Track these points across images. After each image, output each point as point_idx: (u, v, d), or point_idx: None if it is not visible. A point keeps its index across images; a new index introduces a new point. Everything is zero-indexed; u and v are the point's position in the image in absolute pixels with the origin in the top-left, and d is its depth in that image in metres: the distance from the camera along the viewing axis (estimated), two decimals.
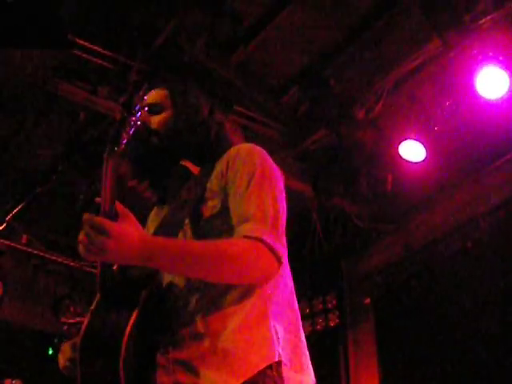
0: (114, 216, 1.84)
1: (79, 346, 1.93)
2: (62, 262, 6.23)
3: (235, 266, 1.91)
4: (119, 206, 2.02)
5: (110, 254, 1.72)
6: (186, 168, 2.27)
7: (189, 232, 2.10)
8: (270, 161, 2.17)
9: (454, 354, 5.26)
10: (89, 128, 5.07)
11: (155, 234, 2.23)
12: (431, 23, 4.57)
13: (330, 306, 6.38)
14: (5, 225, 4.75)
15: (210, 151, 2.26)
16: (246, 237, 1.94)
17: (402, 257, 6.07)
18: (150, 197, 2.34)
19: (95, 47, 4.67)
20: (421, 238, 5.95)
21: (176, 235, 2.12)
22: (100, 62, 4.72)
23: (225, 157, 2.18)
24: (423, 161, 5.27)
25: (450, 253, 5.65)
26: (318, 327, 6.28)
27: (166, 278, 2.10)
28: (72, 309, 6.13)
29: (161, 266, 1.90)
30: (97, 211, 1.86)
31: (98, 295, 1.97)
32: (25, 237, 6.01)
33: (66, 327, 5.75)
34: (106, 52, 4.70)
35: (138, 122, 2.07)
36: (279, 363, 1.95)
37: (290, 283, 2.17)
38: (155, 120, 2.31)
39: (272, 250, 1.92)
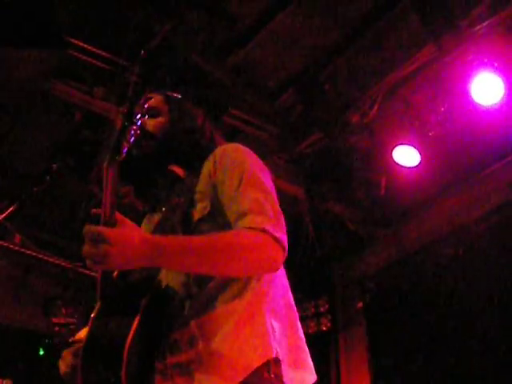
0: (114, 224, 1.84)
1: (81, 353, 1.93)
2: (54, 262, 6.20)
3: (245, 256, 1.91)
4: (117, 214, 2.02)
5: (115, 259, 1.72)
6: (173, 172, 2.29)
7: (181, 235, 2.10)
8: (257, 157, 2.20)
9: (445, 358, 5.28)
10: (84, 129, 5.06)
11: None
12: (427, 28, 4.58)
13: (322, 309, 6.40)
14: None
15: (200, 156, 2.27)
16: (250, 228, 1.94)
17: (395, 261, 6.09)
18: (139, 205, 2.35)
19: (91, 48, 4.66)
20: (413, 243, 5.97)
21: None
22: (96, 62, 4.71)
23: (211, 157, 2.20)
24: (417, 166, 5.28)
25: (442, 258, 5.67)
26: (310, 331, 6.28)
27: (164, 284, 2.10)
28: (64, 310, 6.11)
29: (166, 262, 1.87)
30: (97, 221, 1.85)
31: (99, 302, 1.97)
32: (18, 237, 5.98)
33: (57, 328, 5.73)
34: (101, 53, 4.69)
35: (139, 131, 2.08)
36: (277, 360, 1.96)
37: (285, 281, 2.18)
38: (151, 123, 2.33)
39: (276, 239, 1.93)
